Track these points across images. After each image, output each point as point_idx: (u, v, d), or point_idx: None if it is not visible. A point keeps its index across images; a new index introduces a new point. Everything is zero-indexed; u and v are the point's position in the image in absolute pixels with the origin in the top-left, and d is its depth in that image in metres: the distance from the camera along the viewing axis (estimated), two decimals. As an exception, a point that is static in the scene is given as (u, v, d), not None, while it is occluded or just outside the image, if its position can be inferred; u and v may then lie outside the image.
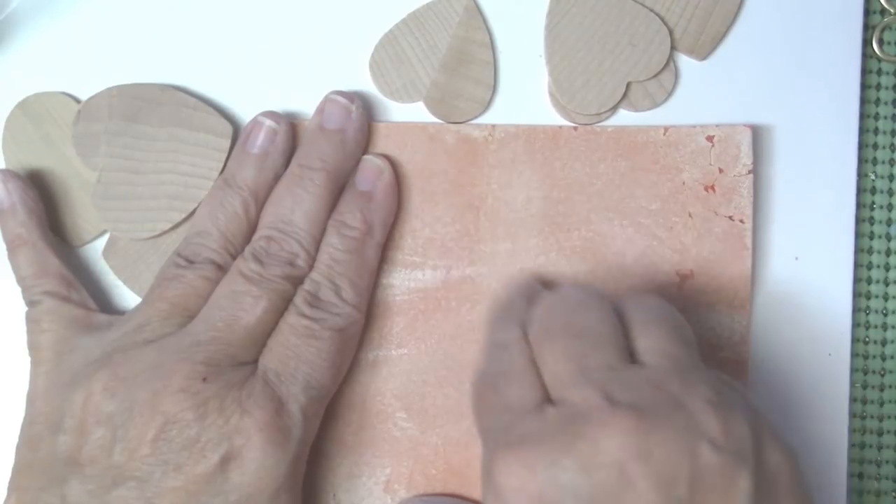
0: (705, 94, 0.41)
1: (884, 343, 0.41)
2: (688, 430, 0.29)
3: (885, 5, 0.41)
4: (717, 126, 0.39)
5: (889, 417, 0.41)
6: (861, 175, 0.41)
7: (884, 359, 0.41)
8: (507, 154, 0.39)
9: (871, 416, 0.41)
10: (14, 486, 0.35)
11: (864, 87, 0.41)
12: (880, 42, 0.41)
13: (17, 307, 0.38)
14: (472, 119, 0.40)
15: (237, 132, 0.39)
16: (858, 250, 0.41)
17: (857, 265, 0.41)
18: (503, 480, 0.29)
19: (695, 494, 0.28)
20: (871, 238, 0.41)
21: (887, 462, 0.41)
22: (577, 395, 0.30)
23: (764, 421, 0.31)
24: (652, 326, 0.33)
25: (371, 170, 0.39)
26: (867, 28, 0.41)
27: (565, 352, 0.32)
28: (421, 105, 0.40)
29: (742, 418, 0.30)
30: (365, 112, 0.39)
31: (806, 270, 0.40)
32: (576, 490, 0.28)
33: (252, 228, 0.38)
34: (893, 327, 0.41)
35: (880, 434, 0.41)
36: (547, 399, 0.31)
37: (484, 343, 0.34)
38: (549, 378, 0.32)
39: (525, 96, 0.41)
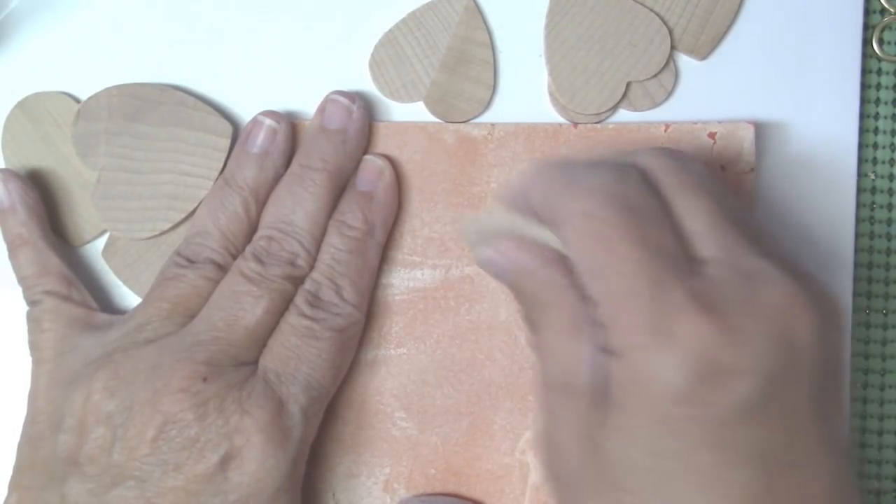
0: (705, 94, 0.41)
1: (884, 343, 0.41)
2: (827, 313, 0.29)
3: (885, 5, 0.41)
4: (719, 123, 0.39)
5: (889, 417, 0.41)
6: (861, 175, 0.41)
7: (884, 359, 0.41)
8: (507, 153, 0.39)
9: (871, 416, 0.41)
10: (15, 484, 0.36)
11: (864, 87, 0.41)
12: (880, 42, 0.41)
13: (17, 307, 0.38)
14: (471, 119, 0.40)
15: (237, 132, 0.40)
16: (858, 250, 0.41)
17: (857, 265, 0.41)
18: (691, 342, 0.27)
19: (827, 374, 0.29)
20: (871, 238, 0.41)
21: (887, 462, 0.41)
22: (757, 264, 0.28)
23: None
24: (734, 223, 0.31)
25: (372, 170, 0.39)
26: (867, 28, 0.41)
27: (719, 212, 0.30)
28: (421, 105, 0.40)
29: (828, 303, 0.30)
30: (366, 112, 0.39)
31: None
32: (767, 363, 0.27)
33: (253, 228, 0.38)
34: (893, 327, 0.41)
35: (880, 434, 0.41)
36: (695, 259, 0.29)
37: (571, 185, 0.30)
38: (702, 235, 0.29)
39: (525, 96, 0.41)
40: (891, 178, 0.41)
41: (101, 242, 0.40)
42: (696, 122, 0.39)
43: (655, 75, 0.40)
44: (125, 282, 0.40)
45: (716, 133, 0.39)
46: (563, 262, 0.31)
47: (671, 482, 0.28)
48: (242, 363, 0.35)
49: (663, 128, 0.39)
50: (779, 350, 0.27)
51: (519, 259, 0.32)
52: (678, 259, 0.29)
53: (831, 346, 0.29)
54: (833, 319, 0.29)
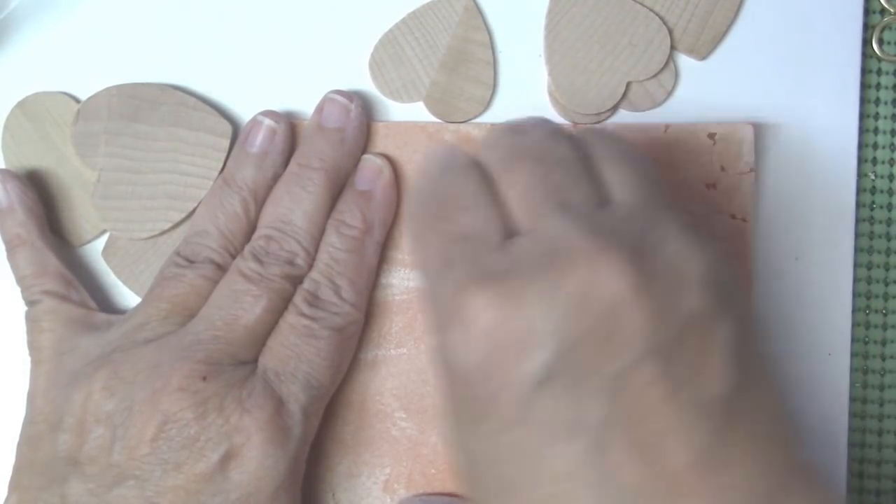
0: (705, 94, 0.41)
1: (884, 343, 0.41)
2: (677, 268, 0.26)
3: (885, 5, 0.41)
4: (718, 124, 0.39)
5: (889, 417, 0.41)
6: (861, 175, 0.41)
7: (884, 359, 0.41)
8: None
9: (871, 416, 0.41)
10: (14, 485, 0.36)
11: (864, 87, 0.41)
12: (880, 42, 0.41)
13: (17, 307, 0.38)
14: (471, 119, 0.40)
15: (237, 132, 0.40)
16: (858, 250, 0.41)
17: (857, 265, 0.41)
18: (477, 318, 0.26)
19: (684, 336, 0.26)
20: (871, 238, 0.41)
21: (887, 462, 0.41)
22: (560, 227, 0.27)
23: (731, 268, 0.29)
24: (619, 161, 0.30)
25: (370, 169, 0.39)
26: (867, 28, 0.41)
27: (538, 179, 0.28)
28: (421, 105, 0.40)
29: (721, 259, 0.28)
30: (364, 111, 0.39)
31: (806, 270, 0.40)
32: (563, 329, 0.25)
33: (252, 228, 0.38)
34: (893, 327, 0.41)
35: (880, 434, 0.41)
36: (513, 233, 0.28)
37: (417, 177, 0.30)
38: (518, 208, 0.28)
39: (525, 96, 0.41)
40: (891, 178, 0.41)
41: (101, 242, 0.40)
42: (695, 123, 0.39)
43: (655, 75, 0.40)
44: (125, 282, 0.40)
45: (715, 133, 0.39)
46: None
47: (501, 465, 0.27)
48: (242, 362, 0.35)
49: (663, 128, 0.39)
50: (577, 313, 0.25)
51: None
52: (484, 239, 0.28)
53: (671, 306, 0.26)
54: (639, 274, 0.26)
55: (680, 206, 0.29)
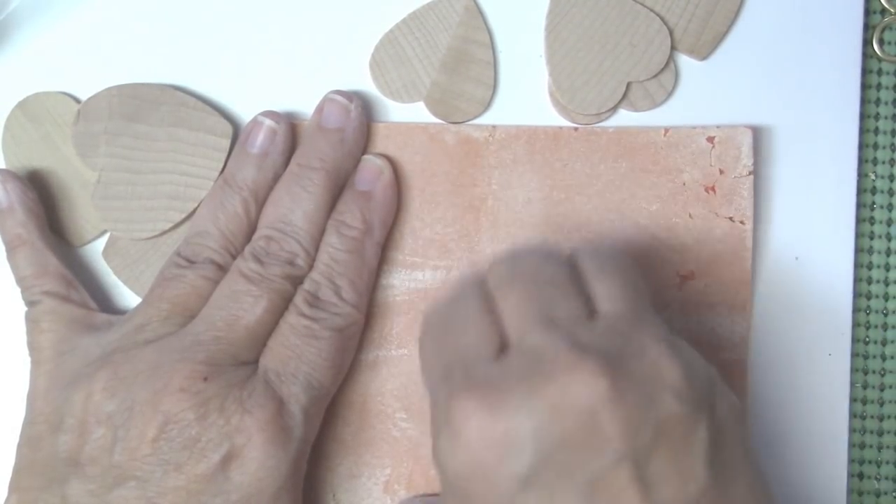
0: (705, 95, 0.41)
1: (884, 343, 0.41)
2: (653, 377, 0.28)
3: (885, 5, 0.41)
4: (717, 127, 0.39)
5: (889, 417, 0.41)
6: (861, 175, 0.41)
7: (884, 359, 0.41)
8: (508, 155, 0.39)
9: (871, 416, 0.41)
10: (15, 486, 0.36)
11: (864, 87, 0.41)
12: (880, 42, 0.41)
13: (17, 307, 0.38)
14: (472, 119, 0.40)
15: (237, 132, 0.39)
16: (858, 250, 0.41)
17: (857, 265, 0.41)
18: (464, 424, 0.28)
19: (658, 442, 0.28)
20: (871, 238, 0.41)
21: (887, 462, 0.41)
22: (543, 340, 0.29)
23: (713, 371, 0.30)
24: (607, 275, 0.32)
25: (371, 169, 0.39)
26: (867, 28, 0.41)
27: (528, 297, 0.31)
28: (421, 105, 0.40)
29: (700, 367, 0.29)
30: (364, 111, 0.39)
31: (806, 270, 0.40)
32: (542, 434, 0.27)
33: (252, 228, 0.38)
34: (893, 327, 0.41)
35: (880, 434, 0.41)
36: (506, 346, 0.30)
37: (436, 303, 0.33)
38: (509, 324, 0.31)
39: (525, 96, 0.41)
40: (891, 178, 0.42)
41: (101, 242, 0.40)
42: (694, 127, 0.40)
43: (655, 75, 0.40)
44: (125, 282, 0.40)
45: (714, 137, 0.39)
46: None
47: None
48: (243, 363, 0.35)
49: (663, 132, 0.39)
50: (555, 419, 0.27)
51: None
52: (479, 353, 0.30)
53: (645, 414, 0.28)
54: (617, 384, 0.28)
55: (661, 317, 0.32)
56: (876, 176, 0.42)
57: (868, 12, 0.41)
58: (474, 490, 0.28)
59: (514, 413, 0.28)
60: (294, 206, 0.37)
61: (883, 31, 0.41)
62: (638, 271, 0.33)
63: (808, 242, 0.41)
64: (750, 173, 0.39)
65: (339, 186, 0.38)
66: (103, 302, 0.40)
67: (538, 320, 0.30)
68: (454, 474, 0.29)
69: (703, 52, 0.40)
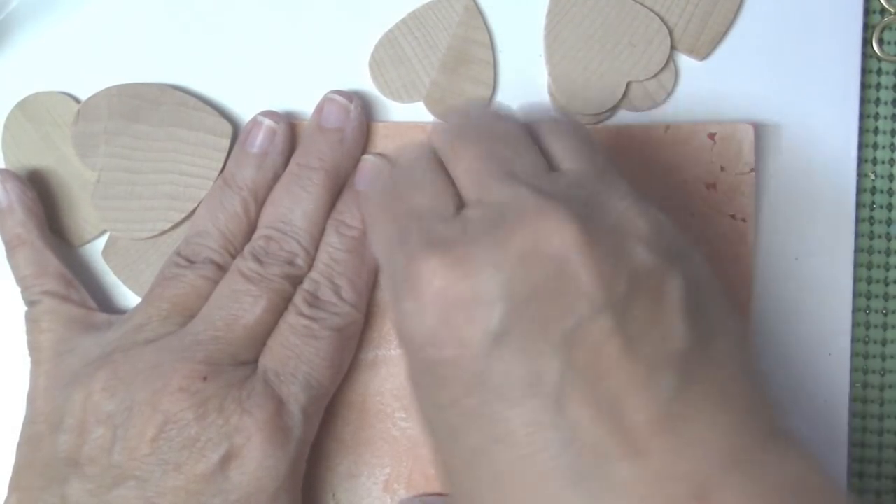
0: (705, 94, 0.41)
1: (884, 343, 0.41)
2: (622, 228, 0.27)
3: (885, 5, 0.41)
4: (718, 123, 0.39)
5: (889, 417, 0.41)
6: (861, 175, 0.41)
7: (884, 359, 0.41)
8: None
9: (871, 416, 0.41)
10: (14, 485, 0.36)
11: (864, 87, 0.41)
12: (880, 42, 0.41)
13: (17, 307, 0.38)
14: (471, 119, 0.40)
15: (237, 132, 0.40)
16: (858, 250, 0.41)
17: (857, 265, 0.41)
18: (428, 284, 0.27)
19: (633, 294, 0.26)
20: (871, 238, 0.41)
21: (887, 462, 0.41)
22: (504, 192, 0.28)
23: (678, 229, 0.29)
24: (564, 134, 0.31)
25: (370, 169, 0.39)
26: (867, 28, 0.41)
27: (484, 154, 0.29)
28: (421, 105, 0.40)
29: (666, 222, 0.28)
30: (363, 111, 0.39)
31: (806, 270, 0.40)
32: (511, 287, 0.26)
33: (252, 228, 0.38)
34: (893, 327, 0.41)
35: (880, 434, 0.41)
36: (464, 206, 0.29)
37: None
38: (466, 183, 0.30)
39: (525, 96, 0.40)
40: (891, 178, 0.41)
41: (101, 242, 0.40)
42: (695, 123, 0.40)
43: (655, 75, 0.40)
44: (125, 282, 0.40)
45: (715, 133, 0.39)
46: None
47: (465, 434, 0.27)
48: (242, 363, 0.35)
49: (663, 128, 0.39)
50: (524, 271, 0.26)
51: None
52: (436, 213, 0.29)
53: (618, 263, 0.26)
54: (585, 230, 0.27)
55: (621, 173, 0.30)
56: (876, 176, 0.42)
57: (868, 12, 0.41)
58: (444, 356, 0.27)
59: (480, 266, 0.26)
60: (294, 205, 0.37)
61: (883, 30, 0.41)
62: (592, 134, 0.32)
63: (808, 242, 0.41)
64: (751, 170, 0.39)
65: (338, 186, 0.38)
66: (103, 302, 0.40)
67: (497, 175, 0.29)
68: (421, 342, 0.27)
69: (703, 51, 0.40)
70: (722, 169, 0.39)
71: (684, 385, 0.26)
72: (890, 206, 0.41)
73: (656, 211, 0.28)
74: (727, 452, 0.26)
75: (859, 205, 0.41)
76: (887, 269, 0.41)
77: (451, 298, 0.26)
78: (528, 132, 0.31)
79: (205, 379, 0.34)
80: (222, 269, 0.37)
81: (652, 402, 0.26)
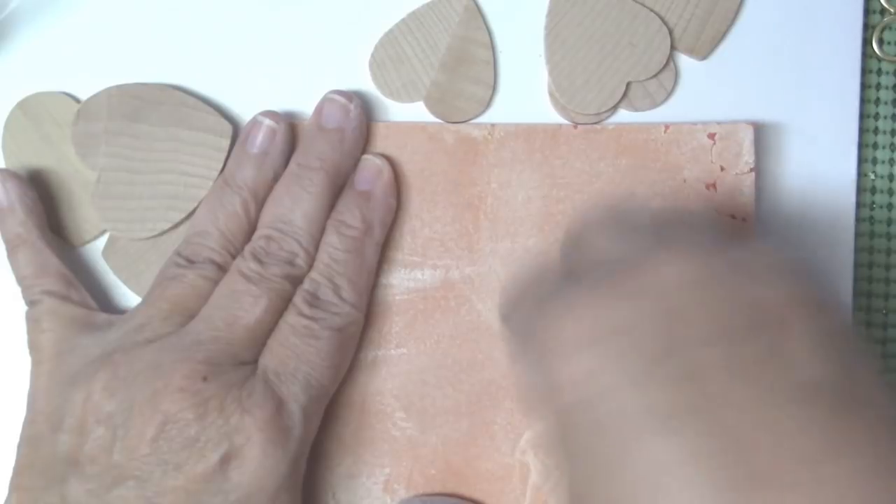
0: (705, 95, 0.41)
1: (884, 343, 0.41)
2: (743, 262, 0.27)
3: (885, 5, 0.41)
4: (718, 123, 0.39)
5: (889, 417, 0.41)
6: (861, 175, 0.41)
7: (884, 358, 0.41)
8: (507, 153, 0.39)
9: (872, 416, 0.41)
10: (15, 485, 0.35)
11: (864, 87, 0.41)
12: (880, 42, 0.41)
13: (17, 307, 0.38)
14: (471, 119, 0.40)
15: (237, 132, 0.40)
16: (858, 250, 0.41)
17: (857, 265, 0.41)
18: (558, 334, 0.27)
19: (757, 325, 0.26)
20: (871, 238, 0.41)
21: (888, 462, 0.41)
22: (622, 247, 0.29)
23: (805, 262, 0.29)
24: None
25: (370, 169, 0.39)
26: (867, 28, 0.41)
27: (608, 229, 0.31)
28: (421, 105, 0.40)
29: (797, 258, 0.28)
30: (363, 111, 0.39)
31: (806, 270, 0.40)
32: (638, 322, 0.26)
33: (252, 228, 0.38)
34: (893, 327, 0.41)
35: (880, 434, 0.41)
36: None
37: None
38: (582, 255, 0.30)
39: (525, 96, 0.41)
40: (891, 178, 0.41)
41: (101, 242, 0.40)
42: (695, 123, 0.40)
43: (655, 75, 0.40)
44: (125, 282, 0.40)
45: (715, 133, 0.39)
46: None
47: (612, 476, 0.26)
48: (242, 362, 0.35)
49: (663, 128, 0.39)
50: (649, 306, 0.27)
51: None
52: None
53: (742, 295, 0.27)
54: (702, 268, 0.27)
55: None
56: (876, 176, 0.42)
57: (868, 12, 0.41)
58: (601, 411, 0.26)
59: (611, 306, 0.27)
60: (294, 205, 0.37)
61: (883, 31, 0.41)
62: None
63: (808, 242, 0.40)
64: (751, 170, 0.39)
65: (338, 186, 0.38)
66: (103, 302, 0.40)
67: (615, 234, 0.30)
68: (573, 403, 0.27)
69: (703, 51, 0.40)
70: (722, 169, 0.39)
71: (823, 418, 0.25)
72: (890, 206, 0.41)
73: (785, 247, 0.29)
74: (869, 499, 0.24)
75: (859, 205, 0.41)
76: (887, 269, 0.41)
77: (581, 342, 0.27)
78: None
79: (205, 379, 0.34)
80: (222, 269, 0.37)
81: (781, 434, 0.25)
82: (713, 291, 0.26)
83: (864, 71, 0.41)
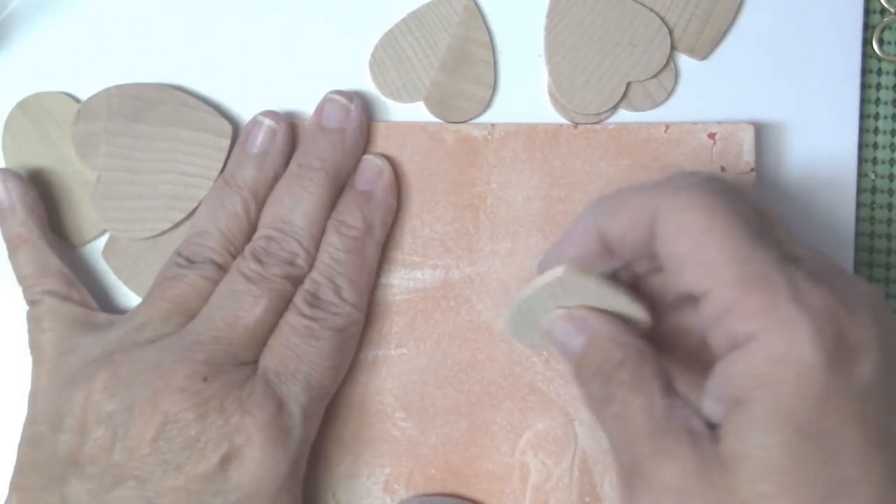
0: (705, 95, 0.41)
1: (884, 343, 0.41)
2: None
3: (885, 5, 0.41)
4: (719, 123, 0.39)
5: (889, 417, 0.41)
6: (861, 175, 0.41)
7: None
8: (507, 153, 0.39)
9: (872, 416, 0.41)
10: (15, 485, 0.36)
11: (864, 87, 0.41)
12: (880, 42, 0.41)
13: (17, 307, 0.38)
14: (472, 119, 0.40)
15: (237, 132, 0.40)
16: (858, 249, 0.41)
17: (857, 265, 0.41)
18: (823, 312, 0.27)
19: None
20: (871, 238, 0.41)
21: (888, 462, 0.41)
22: (833, 264, 0.29)
23: None
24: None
25: (370, 169, 0.39)
26: (867, 28, 0.41)
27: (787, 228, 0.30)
28: (421, 105, 0.40)
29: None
30: (364, 111, 0.39)
31: (806, 270, 0.40)
32: (880, 341, 0.27)
33: (252, 228, 0.38)
34: (894, 327, 0.41)
35: (881, 434, 0.41)
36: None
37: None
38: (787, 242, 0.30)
39: (525, 96, 0.41)
40: (891, 178, 0.41)
41: (101, 242, 0.40)
42: (695, 123, 0.39)
43: (655, 75, 0.40)
44: (125, 282, 0.40)
45: (715, 133, 0.39)
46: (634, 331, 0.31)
47: (824, 465, 0.26)
48: (242, 363, 0.35)
49: (663, 128, 0.39)
50: (886, 335, 0.27)
51: (593, 322, 0.32)
52: (788, 252, 0.29)
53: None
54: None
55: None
56: (876, 176, 0.42)
57: (868, 12, 0.41)
58: (826, 386, 0.26)
59: (865, 319, 0.27)
60: (294, 205, 0.37)
61: (883, 31, 0.41)
62: None
63: (808, 242, 0.40)
64: (752, 170, 0.39)
65: (339, 186, 0.38)
66: (103, 301, 0.40)
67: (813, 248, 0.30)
68: (804, 369, 0.26)
69: (703, 51, 0.40)
70: (722, 169, 0.39)
71: None
72: (890, 206, 0.41)
73: None
74: None
75: (859, 205, 0.41)
76: (887, 269, 0.41)
77: (842, 336, 0.27)
78: None
79: (205, 379, 0.34)
80: (223, 269, 0.37)
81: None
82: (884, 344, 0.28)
83: (864, 71, 0.41)
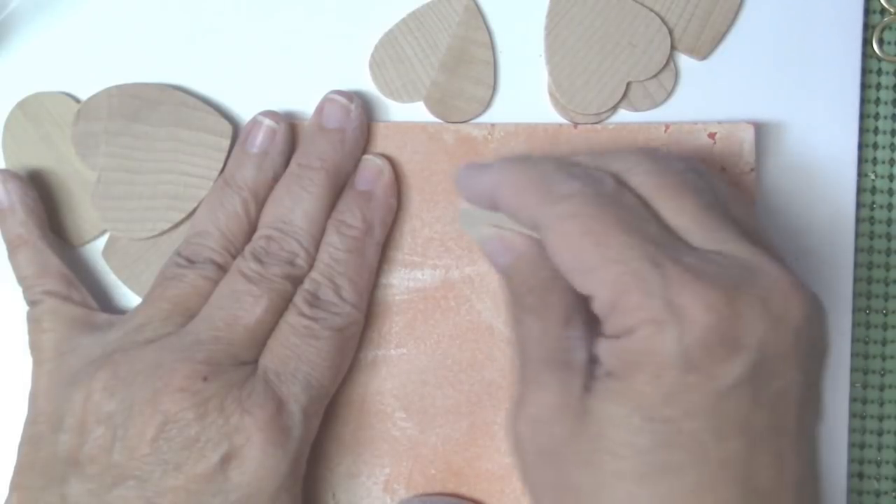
0: (705, 95, 0.41)
1: (884, 343, 0.41)
2: (820, 310, 0.30)
3: (885, 5, 0.41)
4: (719, 123, 0.39)
5: (889, 417, 0.41)
6: (861, 175, 0.41)
7: (884, 359, 0.41)
8: (507, 153, 0.39)
9: (871, 416, 0.41)
10: (15, 484, 0.36)
11: (864, 87, 0.41)
12: (880, 42, 0.41)
13: (17, 307, 0.38)
14: (472, 119, 0.40)
15: (237, 132, 0.40)
16: (858, 250, 0.41)
17: (857, 265, 0.41)
18: (693, 311, 0.28)
19: (819, 369, 0.30)
20: (871, 238, 0.41)
21: (887, 462, 0.41)
22: (746, 251, 0.29)
23: None
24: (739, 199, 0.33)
25: (371, 169, 0.39)
26: (867, 28, 0.41)
27: (708, 205, 0.31)
28: (421, 105, 0.40)
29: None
30: (364, 111, 0.39)
31: (806, 270, 0.40)
32: (763, 342, 0.28)
33: (252, 228, 0.38)
34: (893, 327, 0.41)
35: (880, 434, 0.41)
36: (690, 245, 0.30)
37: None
38: (694, 227, 0.30)
39: (525, 96, 0.41)
40: (891, 178, 0.41)
41: (101, 242, 0.40)
42: (696, 123, 0.39)
43: (655, 75, 0.40)
44: (125, 282, 0.40)
45: (716, 133, 0.39)
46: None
47: (660, 446, 0.28)
48: (242, 363, 0.35)
49: (663, 128, 0.39)
50: (774, 332, 0.28)
51: (521, 245, 0.33)
52: (669, 243, 0.29)
53: (817, 340, 0.30)
54: (820, 316, 0.30)
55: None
56: (876, 176, 0.42)
57: (868, 12, 0.41)
58: (686, 382, 0.28)
59: (748, 316, 0.28)
60: (294, 205, 0.37)
61: (883, 31, 0.41)
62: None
63: (808, 242, 0.41)
64: (752, 170, 0.39)
65: (339, 186, 0.38)
66: (103, 302, 0.40)
67: (732, 232, 0.30)
68: (671, 364, 0.28)
69: (703, 51, 0.40)
70: (722, 169, 0.39)
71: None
72: (890, 206, 0.41)
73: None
74: None
75: (859, 205, 0.41)
76: (887, 269, 0.41)
77: (717, 334, 0.28)
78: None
79: (205, 379, 0.34)
80: (223, 269, 0.37)
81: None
82: (810, 333, 0.29)
83: (864, 71, 0.41)
